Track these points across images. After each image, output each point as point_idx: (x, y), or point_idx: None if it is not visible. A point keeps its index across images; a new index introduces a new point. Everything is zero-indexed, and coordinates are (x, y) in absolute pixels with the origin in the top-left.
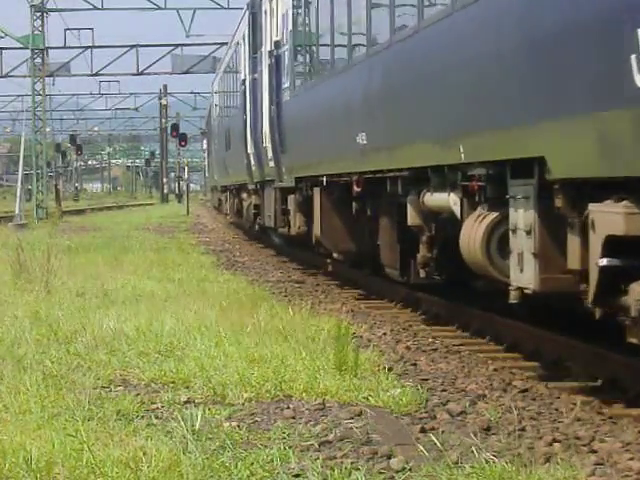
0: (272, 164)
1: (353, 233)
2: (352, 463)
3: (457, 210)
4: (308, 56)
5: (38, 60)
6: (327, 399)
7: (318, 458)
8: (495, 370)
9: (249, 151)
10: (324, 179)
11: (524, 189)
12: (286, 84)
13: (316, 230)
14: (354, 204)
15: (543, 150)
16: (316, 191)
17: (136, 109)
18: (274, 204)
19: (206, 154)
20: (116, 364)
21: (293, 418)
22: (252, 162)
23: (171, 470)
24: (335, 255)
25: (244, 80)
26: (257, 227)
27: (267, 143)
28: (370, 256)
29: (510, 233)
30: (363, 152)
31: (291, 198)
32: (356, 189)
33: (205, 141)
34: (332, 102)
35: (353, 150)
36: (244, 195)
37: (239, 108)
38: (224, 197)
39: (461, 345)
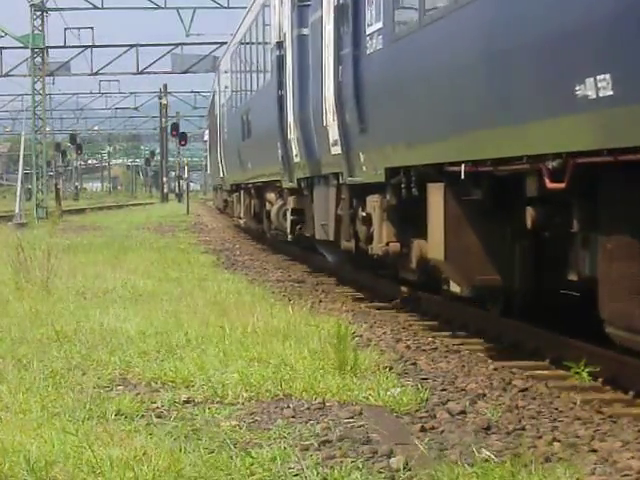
0: (336, 150)
1: (513, 259)
2: (352, 462)
3: None
4: None
5: (38, 59)
6: (327, 398)
7: (318, 457)
8: (495, 369)
9: (290, 137)
10: (461, 168)
11: None
12: (376, 25)
13: (434, 251)
14: (531, 211)
15: None
16: (434, 189)
17: (136, 108)
18: (334, 208)
19: (207, 148)
20: (116, 363)
21: (293, 417)
22: (293, 151)
23: (171, 470)
24: (457, 289)
25: (280, 42)
26: (290, 238)
27: (330, 120)
28: (544, 297)
29: None
30: (595, 112)
31: (373, 200)
32: (549, 184)
33: (207, 132)
34: (504, 32)
35: (561, 112)
36: (270, 196)
37: (269, 81)
38: (235, 198)
39: (461, 345)
